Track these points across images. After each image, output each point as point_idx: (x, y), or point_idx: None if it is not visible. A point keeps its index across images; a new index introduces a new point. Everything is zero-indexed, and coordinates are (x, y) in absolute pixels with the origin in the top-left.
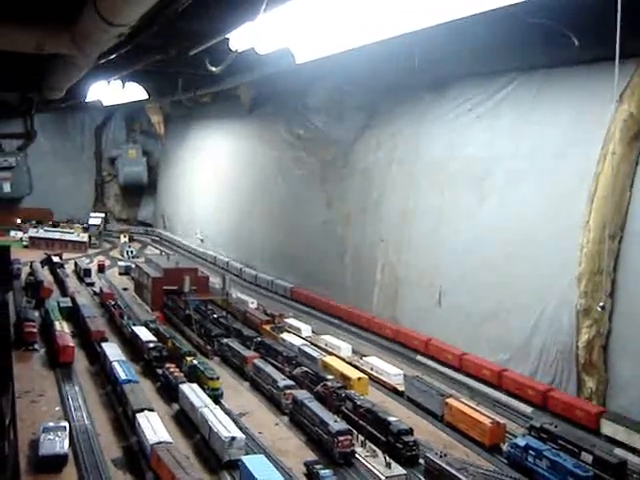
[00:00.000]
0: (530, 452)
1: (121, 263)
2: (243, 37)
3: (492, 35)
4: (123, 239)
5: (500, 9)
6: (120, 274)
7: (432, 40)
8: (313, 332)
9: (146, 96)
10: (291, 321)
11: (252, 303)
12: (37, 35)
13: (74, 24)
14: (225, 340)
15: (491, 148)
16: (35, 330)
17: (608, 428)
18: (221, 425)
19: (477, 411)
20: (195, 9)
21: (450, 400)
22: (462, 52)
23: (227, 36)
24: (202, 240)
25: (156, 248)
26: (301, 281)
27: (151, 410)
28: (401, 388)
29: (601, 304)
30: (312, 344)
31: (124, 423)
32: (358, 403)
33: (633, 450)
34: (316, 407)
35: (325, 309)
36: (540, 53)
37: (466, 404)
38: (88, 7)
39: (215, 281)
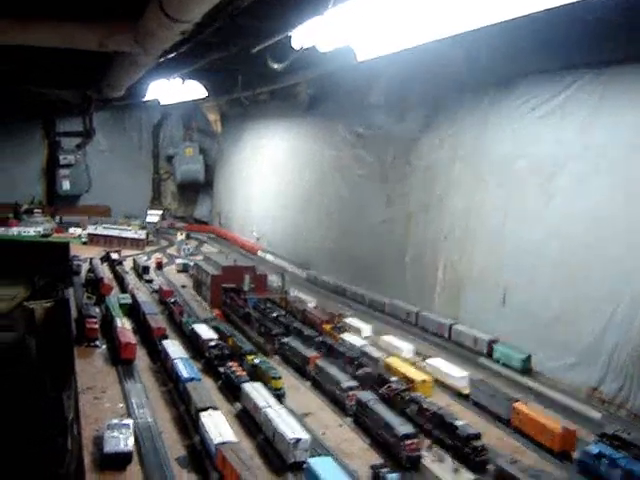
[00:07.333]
0: (603, 460)
1: (179, 261)
2: (305, 34)
3: (559, 31)
4: (180, 237)
5: (569, 4)
6: (178, 271)
7: (497, 37)
8: (373, 332)
9: (204, 94)
10: (350, 321)
11: (311, 302)
12: (100, 33)
13: (137, 22)
14: (286, 339)
15: (558, 146)
16: (97, 327)
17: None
18: (286, 426)
19: (546, 416)
20: (260, 5)
21: (518, 404)
22: (528, 49)
23: (290, 33)
24: (258, 238)
25: (212, 246)
26: (360, 280)
27: (215, 409)
28: (466, 391)
29: None
30: (373, 344)
31: (187, 421)
32: (424, 406)
33: None
34: (381, 409)
35: None
36: (609, 48)
37: (535, 409)
38: (152, 4)
39: (272, 279)
